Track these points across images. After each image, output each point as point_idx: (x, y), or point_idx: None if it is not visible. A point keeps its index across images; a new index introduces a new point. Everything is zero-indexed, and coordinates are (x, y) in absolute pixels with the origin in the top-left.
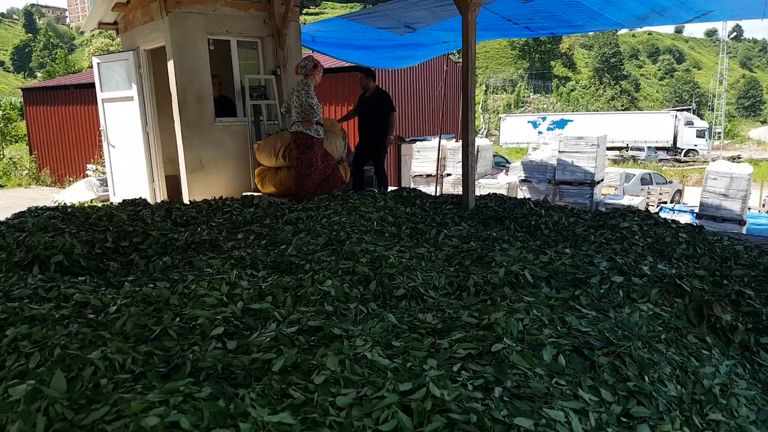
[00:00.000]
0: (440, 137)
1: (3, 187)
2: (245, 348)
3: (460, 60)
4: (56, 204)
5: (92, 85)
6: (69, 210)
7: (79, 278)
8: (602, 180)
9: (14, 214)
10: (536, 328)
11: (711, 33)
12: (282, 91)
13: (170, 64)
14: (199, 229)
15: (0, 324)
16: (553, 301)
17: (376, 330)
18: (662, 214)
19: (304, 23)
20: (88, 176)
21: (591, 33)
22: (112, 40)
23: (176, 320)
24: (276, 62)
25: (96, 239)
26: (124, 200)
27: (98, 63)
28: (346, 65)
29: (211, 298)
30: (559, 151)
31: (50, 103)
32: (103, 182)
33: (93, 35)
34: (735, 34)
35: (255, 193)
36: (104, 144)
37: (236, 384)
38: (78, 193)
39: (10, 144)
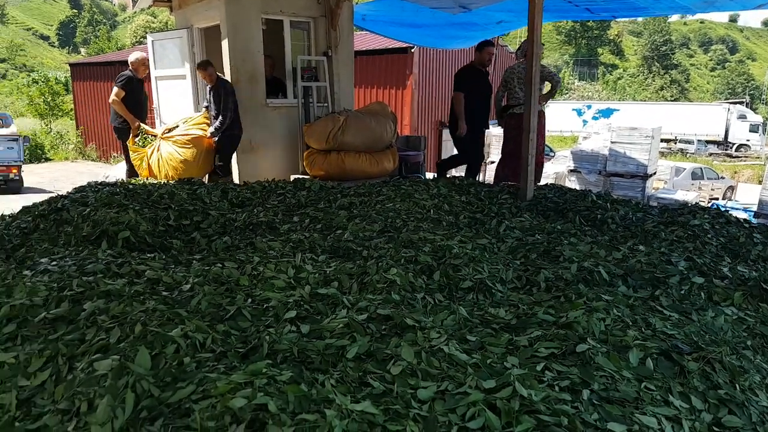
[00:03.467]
0: (490, 123)
1: (51, 160)
2: (318, 333)
3: (507, 44)
4: (107, 179)
5: None
6: (131, 186)
7: (148, 255)
8: (655, 173)
9: (75, 188)
10: (619, 329)
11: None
12: (332, 73)
13: (224, 43)
14: (255, 210)
15: (77, 298)
16: (632, 300)
17: (447, 322)
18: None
19: (356, 2)
20: None
21: (641, 19)
22: (155, 17)
23: (248, 301)
24: (328, 43)
25: (159, 216)
26: (181, 179)
27: (152, 41)
28: (391, 47)
29: (279, 281)
30: (612, 142)
31: (97, 78)
32: None
33: (135, 13)
34: None
35: (304, 176)
36: (157, 122)
37: (313, 369)
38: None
39: (57, 118)
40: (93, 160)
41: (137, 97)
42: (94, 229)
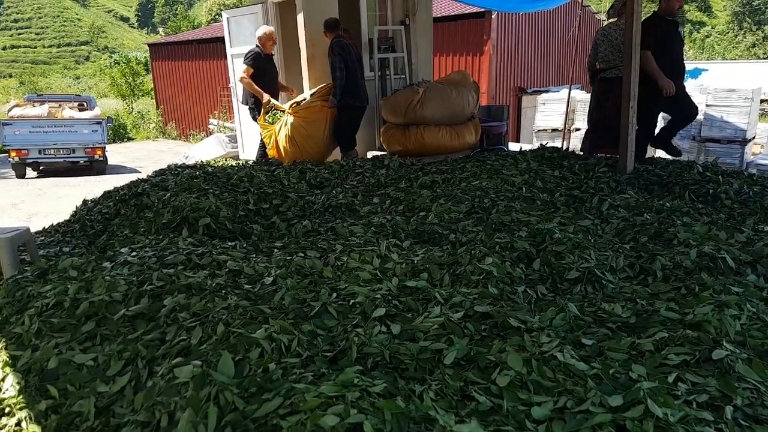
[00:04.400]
0: (570, 88)
1: (133, 139)
2: (411, 334)
3: (594, 9)
4: (186, 159)
5: (214, 40)
6: (210, 170)
7: (229, 243)
8: (754, 138)
9: (155, 171)
10: (757, 329)
11: None
12: (410, 43)
13: (299, 18)
14: (334, 192)
15: (157, 293)
16: (766, 293)
17: (557, 322)
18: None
19: None
20: (210, 131)
21: None
22: None
23: (333, 296)
24: (405, 11)
25: (239, 201)
26: (259, 159)
27: (227, 17)
28: (467, 12)
29: (365, 272)
30: (707, 105)
31: (174, 58)
32: (232, 139)
33: None
34: None
35: (380, 153)
36: (234, 101)
37: (408, 377)
38: (207, 148)
39: (138, 98)
40: (173, 138)
41: (267, 74)
42: (175, 216)
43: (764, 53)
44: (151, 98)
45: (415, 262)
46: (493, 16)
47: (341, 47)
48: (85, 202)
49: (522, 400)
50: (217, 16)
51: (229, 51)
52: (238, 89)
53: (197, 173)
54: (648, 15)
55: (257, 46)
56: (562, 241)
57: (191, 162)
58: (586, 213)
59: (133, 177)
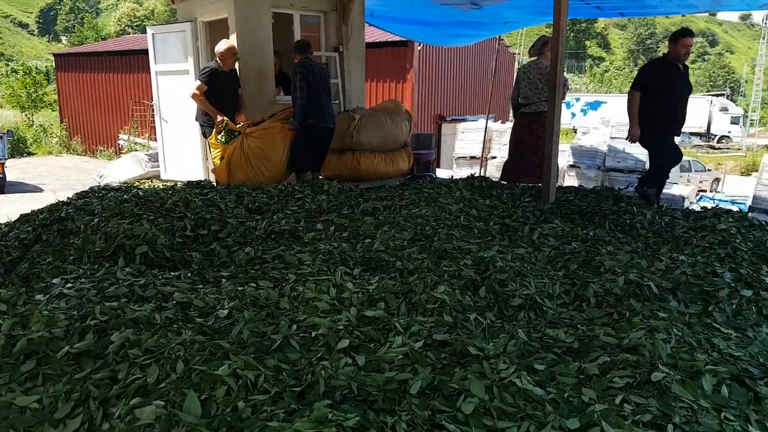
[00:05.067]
0: (488, 118)
1: (34, 154)
2: (376, 364)
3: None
4: (101, 178)
5: (126, 53)
6: (140, 193)
7: (171, 273)
8: None
9: (76, 194)
10: (686, 352)
11: (746, 17)
12: (344, 69)
13: (232, 38)
14: (275, 217)
15: (102, 327)
16: (688, 317)
17: (510, 348)
18: (702, 204)
19: None
20: (120, 147)
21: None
22: (140, 5)
23: (294, 328)
24: (339, 39)
25: (175, 227)
26: (189, 182)
27: (152, 34)
28: (391, 40)
29: (323, 303)
30: (611, 137)
31: (82, 69)
32: (152, 157)
33: (118, 0)
34: None
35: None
36: (156, 118)
37: (377, 409)
38: (125, 168)
39: (39, 110)
40: (78, 154)
41: (225, 91)
42: (108, 244)
43: None
44: (54, 111)
45: (371, 291)
46: (416, 46)
47: (304, 67)
48: None
49: (488, 427)
50: (127, 27)
51: (154, 68)
52: (161, 107)
53: (126, 197)
54: (656, 57)
55: (216, 61)
56: (504, 269)
57: (106, 182)
58: (519, 242)
59: (35, 195)
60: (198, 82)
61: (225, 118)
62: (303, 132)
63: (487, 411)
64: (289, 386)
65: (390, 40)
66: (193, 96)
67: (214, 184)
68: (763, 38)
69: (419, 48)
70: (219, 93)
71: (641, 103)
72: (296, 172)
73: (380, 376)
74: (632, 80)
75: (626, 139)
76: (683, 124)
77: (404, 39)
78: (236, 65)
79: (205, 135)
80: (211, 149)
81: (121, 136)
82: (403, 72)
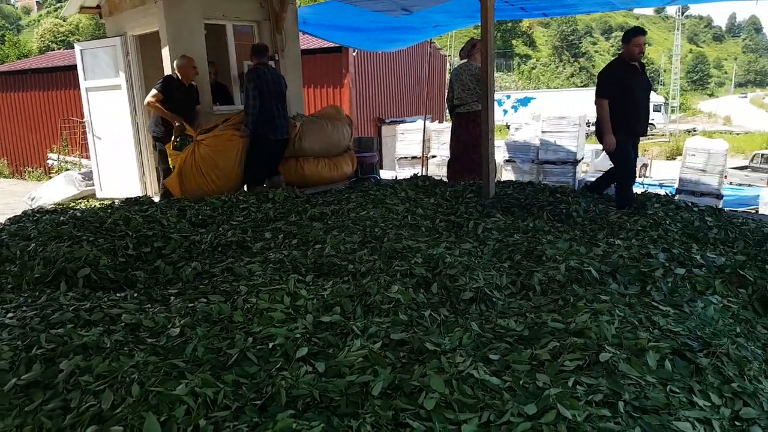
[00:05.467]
0: (425, 119)
1: None
2: (336, 369)
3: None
4: (33, 201)
5: (52, 69)
6: (77, 214)
7: (118, 294)
8: (582, 158)
9: (9, 219)
10: (629, 331)
11: (660, 10)
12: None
13: (165, 51)
14: (220, 229)
15: (49, 356)
16: (628, 298)
17: (465, 341)
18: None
19: (298, 6)
20: (50, 166)
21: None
22: (63, 20)
23: (249, 341)
24: (273, 47)
25: (117, 246)
26: (127, 199)
27: (81, 50)
28: (326, 46)
29: (277, 312)
30: (542, 131)
31: (6, 88)
32: (86, 176)
33: (41, 16)
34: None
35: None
36: (89, 136)
37: (340, 414)
38: (58, 188)
39: None
40: (5, 176)
41: (182, 105)
42: (48, 269)
43: (581, 82)
44: None
45: (325, 296)
46: (351, 51)
47: (258, 75)
48: None
49: (450, 420)
50: (50, 44)
51: (84, 84)
52: (93, 124)
53: (62, 218)
54: (610, 62)
55: (175, 73)
56: (454, 265)
57: (39, 204)
58: (465, 237)
59: None
60: (154, 91)
61: (182, 122)
62: (255, 143)
63: (448, 405)
64: (250, 400)
65: (325, 46)
66: (148, 104)
67: (154, 199)
68: (678, 29)
69: (354, 53)
70: (174, 104)
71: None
72: (251, 184)
73: (341, 381)
74: (557, 75)
75: (602, 150)
76: (648, 122)
77: (339, 45)
78: (194, 80)
79: (155, 147)
80: (170, 157)
81: (50, 155)
82: (339, 77)
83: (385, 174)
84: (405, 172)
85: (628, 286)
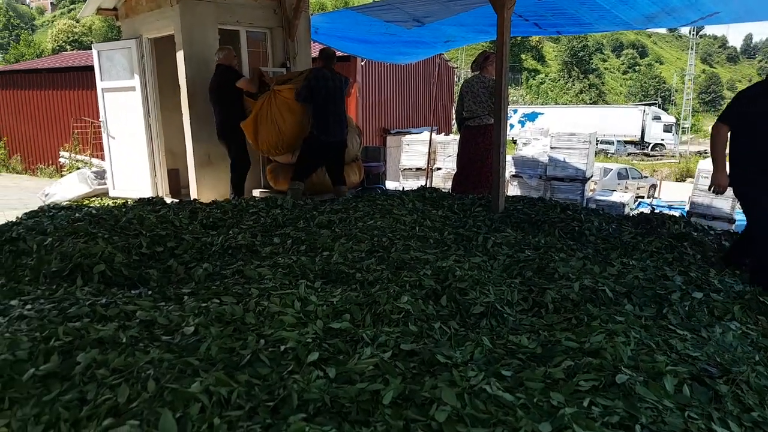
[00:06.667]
0: (432, 130)
1: None
2: (347, 376)
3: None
4: (47, 197)
5: (66, 69)
6: (93, 211)
7: (132, 291)
8: (591, 176)
9: (25, 213)
10: (646, 354)
11: (673, 29)
12: None
13: (179, 55)
14: (231, 232)
15: (66, 348)
16: (643, 320)
17: (476, 356)
18: (641, 209)
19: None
20: (61, 164)
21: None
22: (77, 21)
23: (262, 343)
24: (286, 54)
25: (131, 244)
26: (140, 198)
27: (98, 51)
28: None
29: (288, 317)
30: (551, 147)
31: (21, 86)
32: (98, 175)
33: (55, 17)
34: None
35: (265, 190)
36: (103, 135)
37: (351, 420)
38: (71, 186)
39: None
40: (18, 172)
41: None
42: (65, 263)
43: (590, 99)
44: None
45: (335, 303)
46: (359, 61)
47: (315, 75)
48: None
49: None
50: (63, 44)
51: (100, 84)
52: (108, 124)
53: (78, 215)
54: (754, 83)
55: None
56: (464, 278)
57: (52, 201)
58: (475, 251)
59: None
60: (240, 81)
61: (258, 76)
62: (306, 139)
63: (460, 418)
64: (263, 401)
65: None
66: (243, 87)
67: (166, 200)
68: (691, 49)
69: (362, 63)
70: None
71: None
72: (293, 177)
73: (352, 388)
74: (566, 91)
75: (709, 189)
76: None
77: (347, 54)
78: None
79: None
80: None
81: (61, 153)
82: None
83: (390, 185)
84: (409, 184)
85: (644, 308)
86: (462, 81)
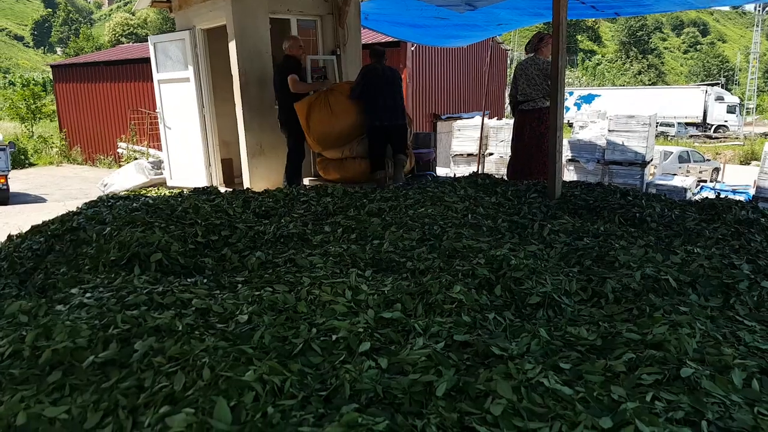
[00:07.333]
0: (484, 115)
1: (35, 165)
2: (399, 367)
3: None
4: (105, 187)
5: (122, 62)
6: (149, 201)
7: (188, 280)
8: (651, 160)
9: (85, 203)
10: (712, 347)
11: (737, 6)
12: (342, 72)
13: (231, 45)
14: (282, 221)
15: (124, 336)
16: (709, 311)
17: (533, 348)
18: (704, 193)
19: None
20: (119, 155)
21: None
22: (133, 14)
23: (314, 332)
24: (336, 42)
25: (186, 234)
26: (195, 188)
27: (154, 43)
28: (384, 41)
29: (340, 306)
30: (609, 130)
31: (80, 80)
32: (155, 165)
33: (111, 10)
34: (762, 6)
35: (314, 179)
36: (160, 126)
37: (404, 412)
38: (128, 176)
39: (38, 121)
40: (79, 163)
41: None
42: (123, 252)
43: (649, 80)
44: (53, 121)
45: (386, 292)
46: (409, 46)
47: (367, 70)
48: (10, 237)
49: (518, 428)
50: (120, 37)
51: (156, 76)
52: (164, 114)
53: (135, 205)
54: None
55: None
56: (519, 267)
57: (110, 191)
58: (530, 239)
59: (38, 206)
60: (290, 76)
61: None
62: (368, 130)
63: (517, 412)
64: (315, 390)
65: (383, 41)
66: (293, 88)
67: (220, 189)
68: (757, 26)
69: (412, 48)
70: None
71: None
72: (371, 169)
73: (405, 379)
74: (623, 72)
75: None
76: None
77: (397, 39)
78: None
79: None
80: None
81: (119, 144)
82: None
83: (440, 171)
84: (460, 170)
85: (709, 298)
86: (515, 63)
